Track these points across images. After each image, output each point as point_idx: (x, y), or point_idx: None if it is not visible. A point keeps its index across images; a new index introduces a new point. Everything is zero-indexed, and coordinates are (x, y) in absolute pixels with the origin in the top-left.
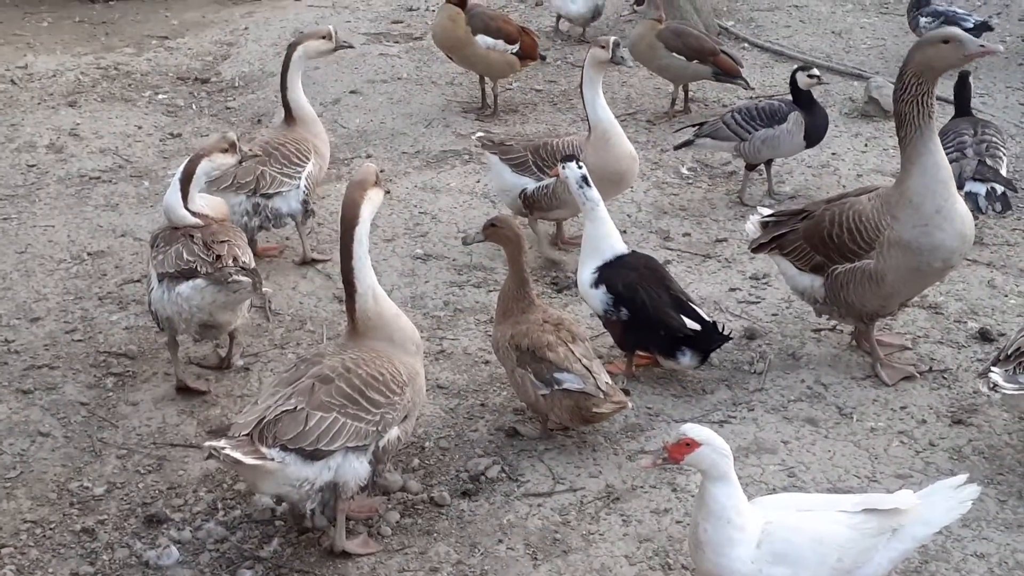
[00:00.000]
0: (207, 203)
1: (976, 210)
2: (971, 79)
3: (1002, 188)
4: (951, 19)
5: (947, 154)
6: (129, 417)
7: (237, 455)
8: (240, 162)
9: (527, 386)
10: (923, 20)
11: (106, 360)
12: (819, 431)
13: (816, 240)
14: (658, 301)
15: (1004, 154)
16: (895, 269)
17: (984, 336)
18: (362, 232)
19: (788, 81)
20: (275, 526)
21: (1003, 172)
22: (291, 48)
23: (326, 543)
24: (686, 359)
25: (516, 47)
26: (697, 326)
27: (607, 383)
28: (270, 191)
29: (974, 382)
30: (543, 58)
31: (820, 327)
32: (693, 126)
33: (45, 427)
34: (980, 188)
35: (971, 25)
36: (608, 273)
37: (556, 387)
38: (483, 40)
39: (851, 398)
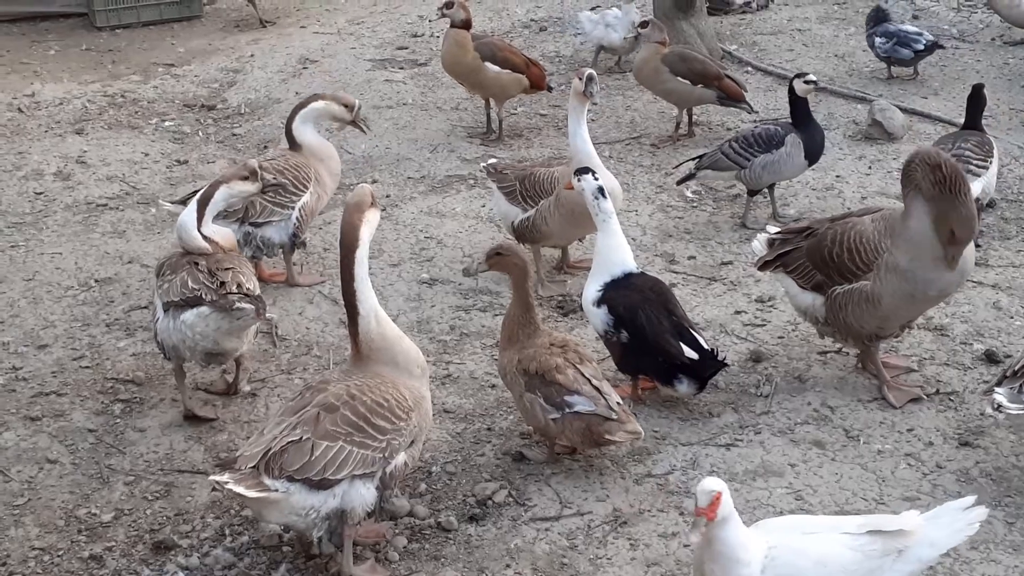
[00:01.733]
0: (217, 232)
1: None
2: (984, 91)
3: None
4: (903, 40)
5: None
6: (137, 443)
7: (240, 489)
8: (262, 191)
9: (536, 411)
10: (878, 40)
11: (113, 387)
12: (826, 454)
13: (817, 258)
14: (658, 327)
15: (978, 169)
16: (891, 293)
17: (990, 358)
18: (363, 254)
19: (787, 89)
20: (283, 552)
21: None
22: (315, 97)
23: (334, 569)
24: (683, 387)
25: (523, 78)
26: (695, 355)
27: (618, 403)
28: (259, 220)
29: (982, 404)
30: (550, 88)
31: (826, 349)
32: (693, 159)
33: (53, 454)
34: None
35: (923, 46)
36: (612, 293)
37: (567, 410)
38: (491, 67)
39: (858, 420)
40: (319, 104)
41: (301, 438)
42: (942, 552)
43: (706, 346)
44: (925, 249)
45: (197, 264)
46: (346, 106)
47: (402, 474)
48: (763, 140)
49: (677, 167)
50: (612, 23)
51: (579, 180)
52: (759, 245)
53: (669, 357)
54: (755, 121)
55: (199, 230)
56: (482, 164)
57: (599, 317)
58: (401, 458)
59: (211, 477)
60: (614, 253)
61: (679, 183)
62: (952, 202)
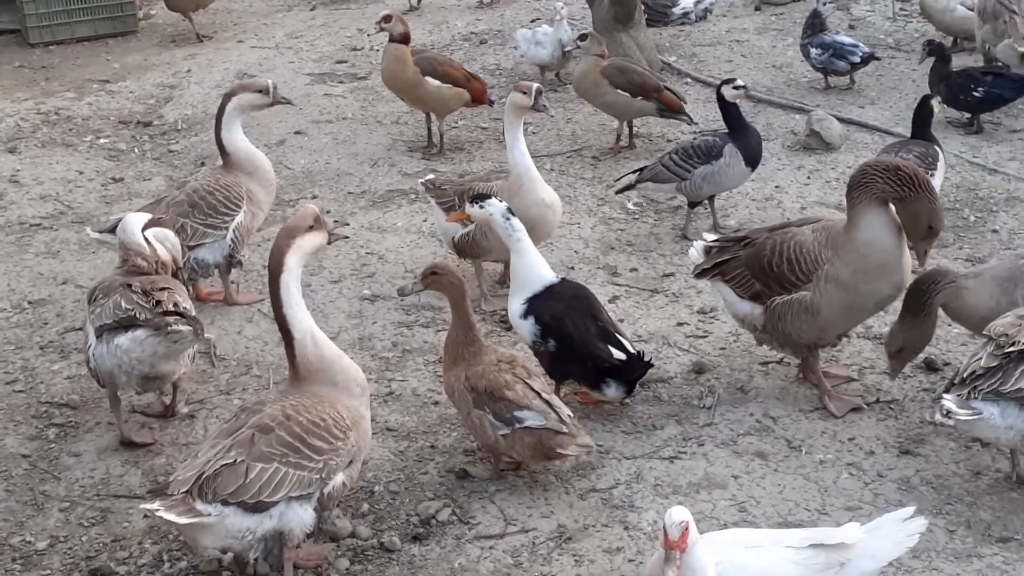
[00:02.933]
0: (157, 244)
1: None
2: (933, 103)
3: None
4: (839, 52)
5: None
6: (72, 468)
7: (171, 517)
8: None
9: (486, 427)
10: (813, 51)
11: (48, 411)
12: (769, 465)
13: (756, 268)
14: (585, 332)
15: None
16: (830, 304)
17: (929, 366)
18: (288, 280)
19: (715, 97)
20: None
21: None
22: (226, 98)
23: None
24: (611, 390)
25: (464, 92)
26: (623, 356)
27: (568, 416)
28: (192, 243)
29: (923, 411)
30: (491, 103)
31: (768, 360)
32: (634, 172)
33: None
34: None
35: (859, 59)
36: (537, 304)
37: (517, 426)
38: (431, 82)
39: (800, 431)
40: (233, 102)
41: (235, 460)
42: (883, 564)
43: (632, 349)
44: (869, 260)
45: (131, 286)
46: (259, 91)
47: (341, 495)
48: (702, 152)
49: (619, 179)
50: (541, 40)
51: (482, 208)
52: (696, 253)
53: (597, 361)
54: (694, 133)
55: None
56: (420, 180)
57: (527, 329)
58: (339, 478)
59: (142, 505)
60: (531, 272)
61: (618, 192)
62: (922, 198)
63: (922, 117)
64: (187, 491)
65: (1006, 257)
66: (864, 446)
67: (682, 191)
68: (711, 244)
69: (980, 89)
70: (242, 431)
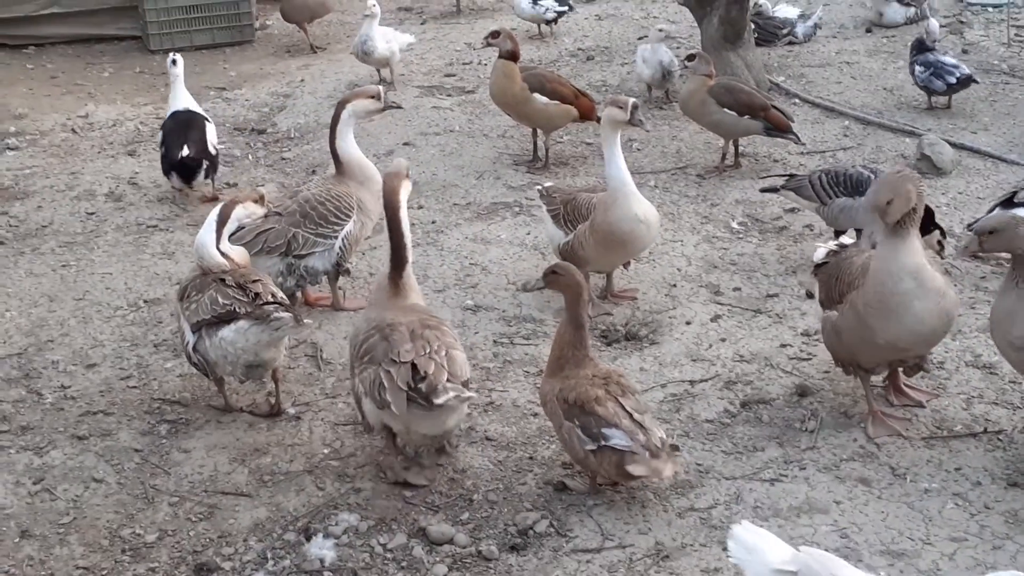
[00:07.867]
0: (232, 250)
1: None
2: None
3: None
4: (938, 71)
5: None
6: (181, 464)
7: (471, 394)
8: (265, 215)
9: (574, 441)
10: (917, 68)
11: (160, 407)
12: (872, 491)
13: (825, 277)
14: (173, 139)
15: None
16: (847, 329)
17: None
18: (405, 212)
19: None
20: None
21: None
22: (340, 105)
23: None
24: (174, 180)
25: (572, 109)
26: (186, 152)
27: (661, 439)
28: (303, 252)
29: None
30: (599, 119)
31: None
32: (784, 176)
33: (99, 473)
34: None
35: (955, 80)
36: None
37: (603, 443)
38: (539, 99)
39: (904, 458)
40: (348, 109)
41: (447, 352)
42: None
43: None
44: (877, 291)
45: (224, 280)
46: (372, 97)
47: None
48: (851, 183)
49: (764, 177)
50: (647, 58)
51: None
52: (821, 252)
53: (167, 158)
54: (802, 152)
55: (217, 248)
56: (538, 186)
57: None
58: None
59: (454, 395)
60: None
61: (762, 190)
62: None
63: None
64: (447, 380)
65: None
66: (971, 476)
67: (820, 215)
68: (834, 247)
69: None
70: (421, 332)
